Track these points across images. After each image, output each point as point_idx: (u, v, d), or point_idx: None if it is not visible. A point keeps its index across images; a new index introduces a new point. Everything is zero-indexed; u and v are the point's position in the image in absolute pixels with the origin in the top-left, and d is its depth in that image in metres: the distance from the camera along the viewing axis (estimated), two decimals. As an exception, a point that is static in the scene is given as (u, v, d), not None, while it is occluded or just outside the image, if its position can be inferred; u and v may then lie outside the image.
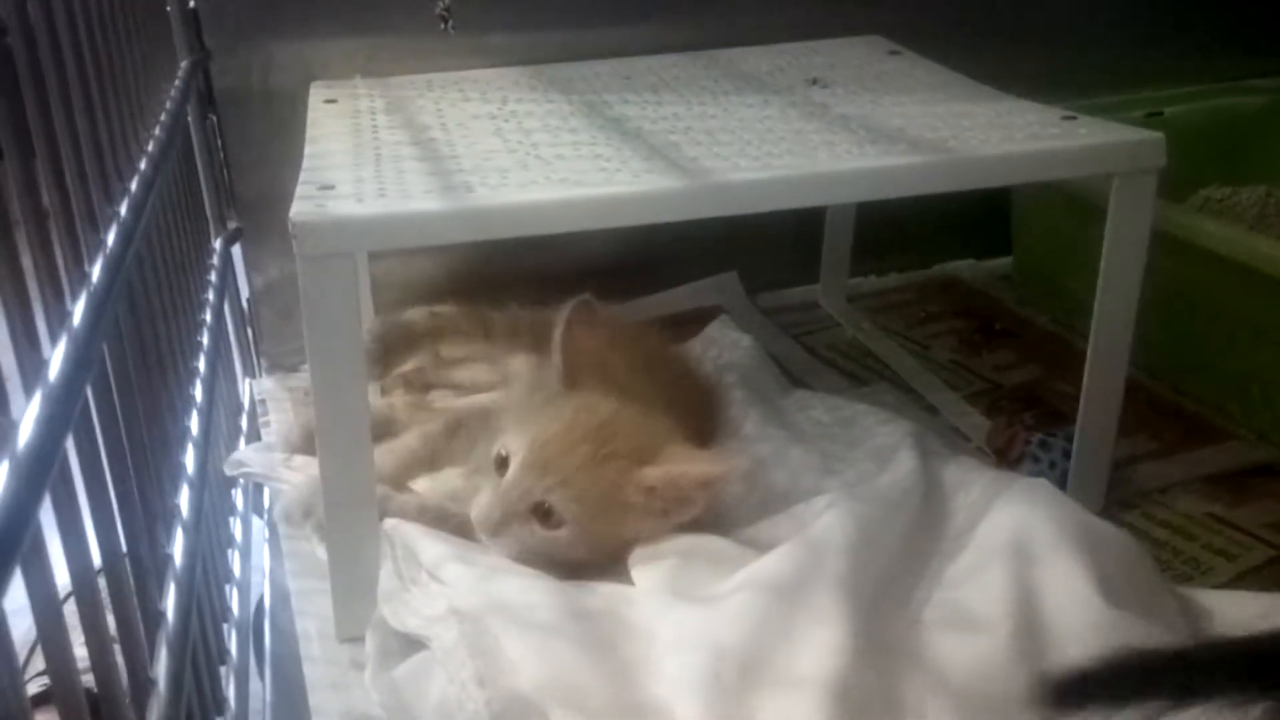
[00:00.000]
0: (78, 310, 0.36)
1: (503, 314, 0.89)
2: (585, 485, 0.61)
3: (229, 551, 0.73)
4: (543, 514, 0.62)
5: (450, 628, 0.56)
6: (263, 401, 0.94)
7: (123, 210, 0.49)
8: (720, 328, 0.95)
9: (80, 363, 0.34)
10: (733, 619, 0.55)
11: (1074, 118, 0.75)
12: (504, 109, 0.81)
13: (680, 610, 0.57)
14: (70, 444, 0.36)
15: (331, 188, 0.61)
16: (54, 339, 0.33)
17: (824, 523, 0.63)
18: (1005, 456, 0.80)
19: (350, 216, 0.57)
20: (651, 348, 0.81)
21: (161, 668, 0.43)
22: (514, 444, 0.63)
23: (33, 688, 0.79)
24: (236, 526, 0.78)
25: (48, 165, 0.39)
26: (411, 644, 0.59)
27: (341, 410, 0.59)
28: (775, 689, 0.52)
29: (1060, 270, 1.09)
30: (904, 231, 1.17)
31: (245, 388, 0.98)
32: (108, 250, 0.43)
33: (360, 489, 0.61)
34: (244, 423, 0.92)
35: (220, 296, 0.81)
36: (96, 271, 0.40)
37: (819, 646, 0.53)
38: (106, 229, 0.46)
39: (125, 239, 0.46)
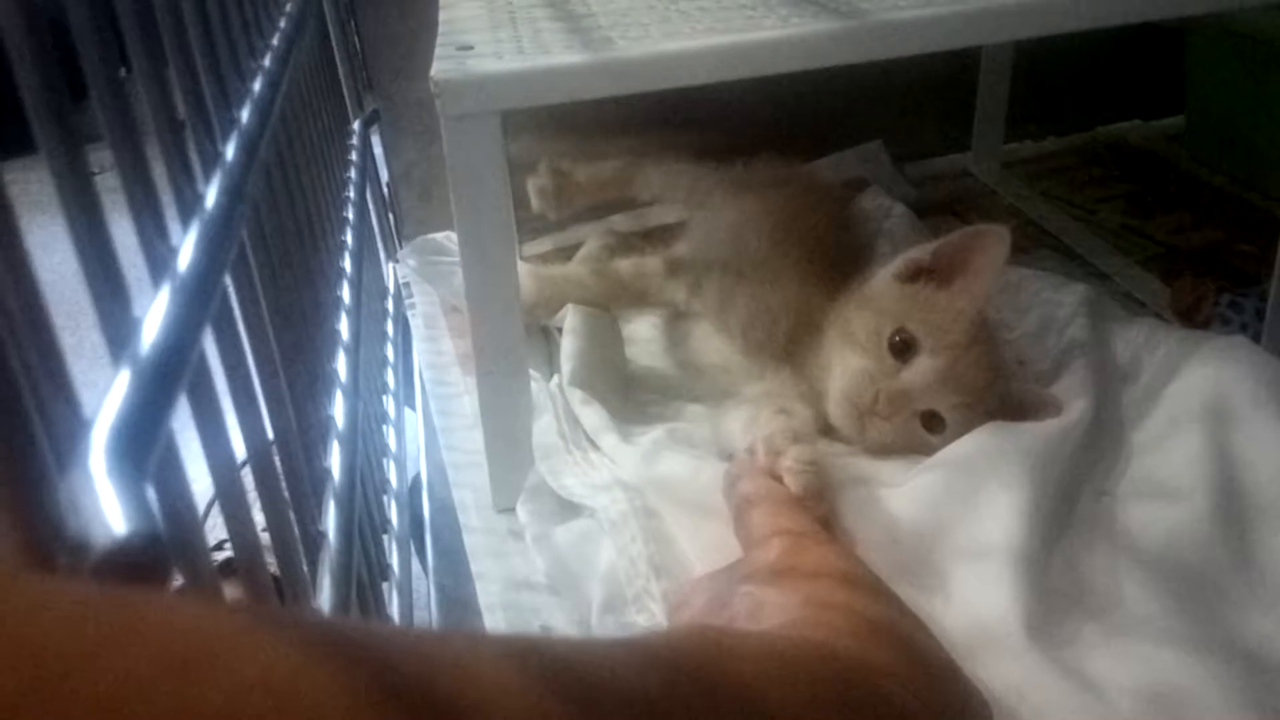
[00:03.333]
0: (229, 151, 0.35)
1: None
2: (979, 406, 0.58)
3: (384, 428, 0.74)
4: (930, 419, 0.59)
5: (618, 499, 0.55)
6: (407, 285, 0.94)
7: (257, 87, 0.48)
8: (872, 197, 0.90)
9: (233, 198, 0.32)
10: (913, 496, 0.52)
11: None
12: (641, -36, 0.76)
13: (857, 493, 0.54)
14: (237, 310, 0.35)
15: (470, 48, 0.59)
16: (186, 218, 0.31)
17: None
18: (1191, 320, 0.74)
19: (492, 73, 0.55)
20: None
21: (331, 521, 0.43)
22: (926, 338, 0.59)
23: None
24: (389, 405, 0.79)
25: (175, 49, 0.36)
26: (568, 509, 0.58)
27: (490, 274, 0.57)
28: (958, 560, 0.49)
29: (1241, 124, 1.00)
30: (1063, 91, 1.09)
31: (389, 271, 0.98)
32: (255, 96, 0.42)
33: (512, 356, 0.60)
34: (390, 305, 0.93)
35: (362, 175, 0.81)
36: (245, 116, 0.39)
37: (1005, 512, 0.50)
38: (240, 106, 0.44)
39: (264, 111, 0.45)
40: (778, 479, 0.53)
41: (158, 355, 0.25)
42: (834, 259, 0.72)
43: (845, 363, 0.60)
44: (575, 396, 0.65)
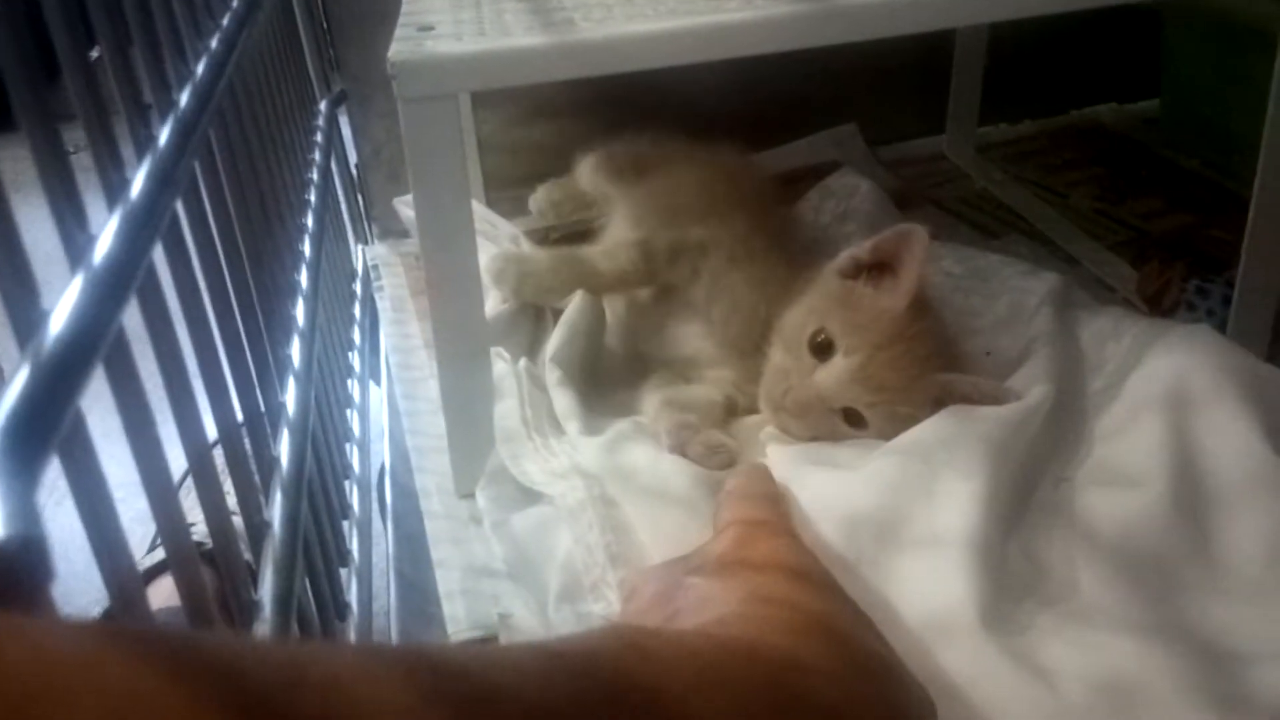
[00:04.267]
0: (163, 135, 0.34)
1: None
2: (903, 404, 0.58)
3: (348, 412, 0.73)
4: (851, 415, 0.59)
5: (576, 488, 0.55)
6: (375, 267, 0.93)
7: (200, 69, 0.47)
8: (839, 177, 0.90)
9: (161, 184, 0.32)
10: (869, 481, 0.52)
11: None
12: (608, -55, 0.76)
13: (815, 477, 0.54)
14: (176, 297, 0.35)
15: (431, 28, 0.58)
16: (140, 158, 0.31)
17: None
18: (1158, 305, 0.74)
19: (451, 55, 0.54)
20: None
21: (276, 510, 0.42)
22: (842, 337, 0.59)
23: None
24: (355, 389, 0.78)
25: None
26: (528, 495, 0.58)
27: (450, 258, 0.57)
28: (915, 548, 0.49)
29: (1217, 108, 1.00)
30: (1037, 74, 1.08)
31: (358, 254, 0.97)
32: (197, 79, 0.41)
33: (473, 341, 0.60)
34: (358, 288, 0.92)
35: (327, 156, 0.80)
36: (184, 99, 0.38)
37: (960, 500, 0.50)
38: (180, 88, 0.43)
39: (204, 94, 0.44)
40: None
41: (63, 346, 0.24)
42: (796, 250, 0.72)
43: (770, 359, 0.62)
44: (553, 376, 0.64)
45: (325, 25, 0.91)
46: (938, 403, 0.58)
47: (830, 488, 0.53)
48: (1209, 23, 0.98)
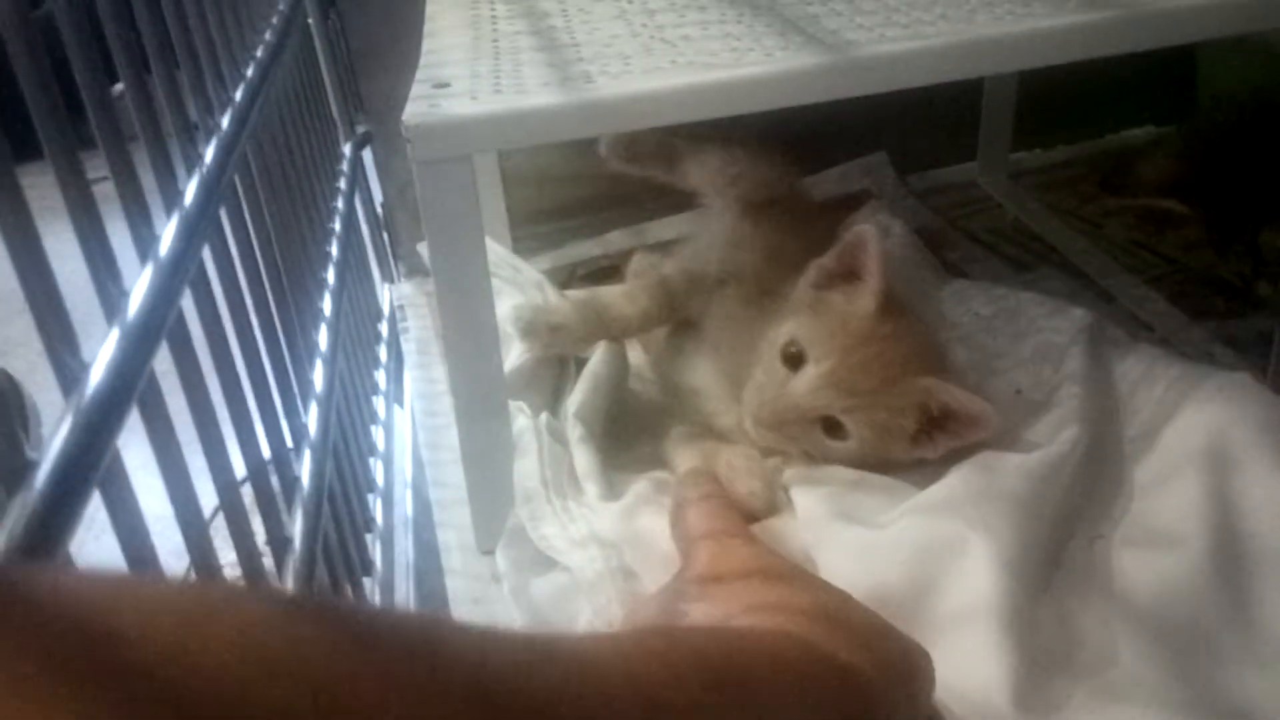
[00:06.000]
0: (190, 189, 0.37)
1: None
2: (879, 407, 0.58)
3: (372, 428, 0.75)
4: (830, 425, 0.60)
5: (594, 558, 0.54)
6: (401, 307, 0.93)
7: (238, 95, 0.50)
8: (868, 214, 0.89)
9: (195, 229, 0.35)
10: (897, 547, 0.51)
11: (1278, -44, 0.65)
12: (628, -12, 0.75)
13: (842, 537, 0.53)
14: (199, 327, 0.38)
15: (447, 85, 0.58)
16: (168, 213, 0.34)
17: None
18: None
19: (465, 117, 0.54)
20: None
21: (297, 527, 0.45)
22: (812, 345, 0.60)
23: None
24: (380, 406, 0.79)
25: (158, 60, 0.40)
26: (548, 557, 0.57)
27: (467, 316, 0.56)
28: (945, 623, 0.48)
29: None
30: (1071, 99, 1.06)
31: (384, 293, 0.97)
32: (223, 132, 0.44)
33: (492, 398, 0.59)
34: (384, 328, 0.92)
35: (350, 199, 0.80)
36: (210, 152, 0.40)
37: (990, 567, 0.48)
38: (221, 113, 0.47)
39: (241, 120, 0.48)
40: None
41: (101, 396, 0.27)
42: None
43: (754, 376, 0.62)
44: (575, 432, 0.64)
45: (349, 64, 0.91)
46: (922, 409, 0.58)
47: (857, 555, 0.52)
48: (1244, 47, 0.96)
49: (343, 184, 0.80)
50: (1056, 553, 0.54)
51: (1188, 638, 0.49)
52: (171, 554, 0.36)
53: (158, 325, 0.32)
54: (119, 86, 0.36)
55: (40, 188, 0.29)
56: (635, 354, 0.76)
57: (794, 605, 0.41)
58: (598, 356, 0.69)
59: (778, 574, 0.46)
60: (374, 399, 0.83)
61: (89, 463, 0.27)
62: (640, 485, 0.59)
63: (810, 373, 0.59)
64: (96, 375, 0.29)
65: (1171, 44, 0.62)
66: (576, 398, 0.66)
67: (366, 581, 0.64)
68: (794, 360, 0.60)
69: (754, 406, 0.61)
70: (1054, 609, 0.51)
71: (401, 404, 0.87)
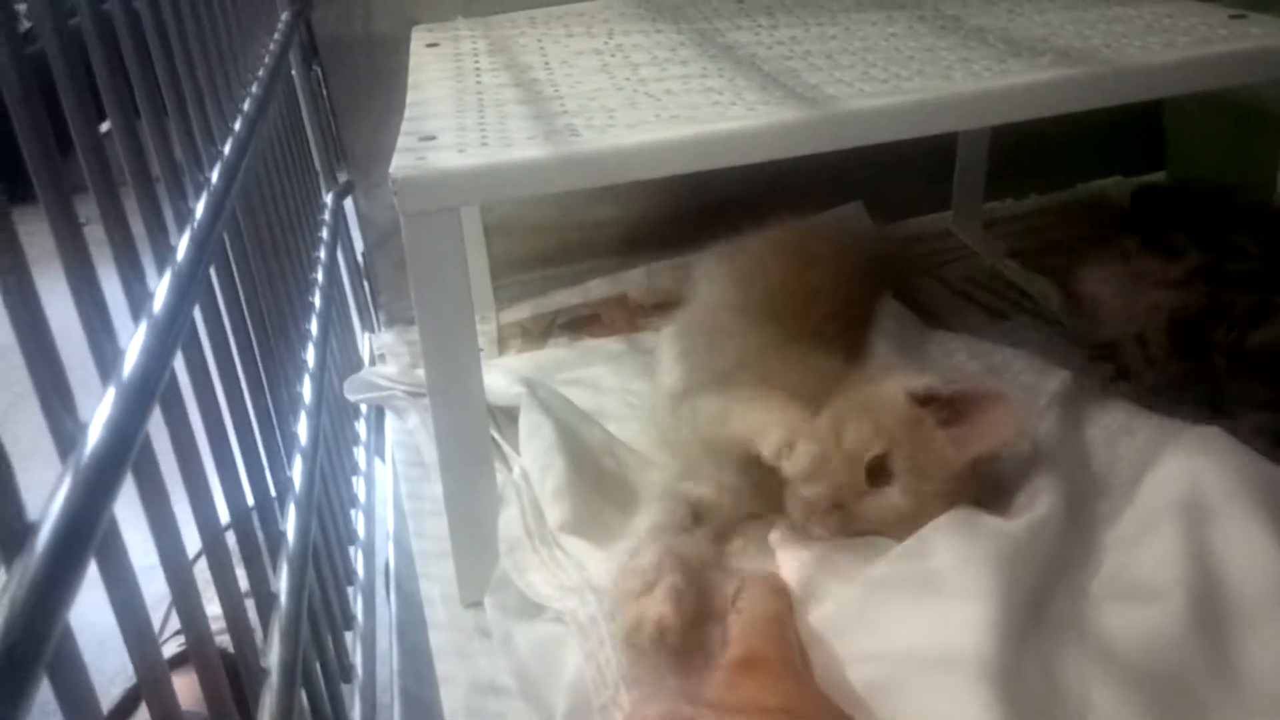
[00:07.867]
0: (181, 245, 0.37)
1: None
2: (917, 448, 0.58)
3: (353, 479, 0.74)
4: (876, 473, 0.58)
5: (588, 602, 0.54)
6: (382, 355, 0.93)
7: (226, 149, 0.50)
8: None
9: (187, 287, 0.35)
10: (883, 610, 0.51)
11: (1243, 16, 0.67)
12: (609, 43, 0.76)
13: (830, 593, 0.54)
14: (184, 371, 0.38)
15: (433, 138, 0.58)
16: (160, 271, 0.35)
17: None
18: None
19: (452, 170, 0.54)
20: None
21: (283, 582, 0.45)
22: (904, 476, 0.58)
23: (168, 649, 0.82)
24: (360, 455, 0.79)
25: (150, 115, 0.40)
26: (535, 605, 0.57)
27: (452, 368, 0.57)
28: (931, 679, 0.48)
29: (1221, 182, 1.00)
30: (1044, 149, 1.08)
31: (364, 342, 0.97)
32: (212, 186, 0.44)
33: (476, 450, 0.59)
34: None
35: (333, 249, 0.80)
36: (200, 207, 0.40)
37: (975, 627, 0.48)
38: (211, 168, 0.47)
39: (230, 174, 0.48)
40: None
41: (98, 459, 0.27)
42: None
43: (822, 463, 0.58)
44: (547, 485, 0.63)
45: (331, 115, 0.91)
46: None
47: (844, 615, 0.52)
48: (1212, 97, 0.98)
49: (325, 234, 0.80)
50: (1041, 610, 0.54)
51: (1172, 689, 0.49)
52: (151, 596, 0.36)
53: (153, 385, 0.32)
54: (106, 125, 0.36)
55: (29, 230, 0.30)
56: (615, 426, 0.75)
57: None
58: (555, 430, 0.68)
59: (792, 713, 0.44)
60: (355, 449, 0.83)
61: (87, 529, 0.26)
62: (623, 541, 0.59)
63: (895, 502, 0.57)
64: (94, 436, 0.29)
65: (1140, 99, 0.63)
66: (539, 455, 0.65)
67: (349, 635, 0.63)
68: (877, 474, 0.58)
69: (814, 499, 0.58)
70: (1038, 661, 0.51)
71: (382, 456, 0.87)
